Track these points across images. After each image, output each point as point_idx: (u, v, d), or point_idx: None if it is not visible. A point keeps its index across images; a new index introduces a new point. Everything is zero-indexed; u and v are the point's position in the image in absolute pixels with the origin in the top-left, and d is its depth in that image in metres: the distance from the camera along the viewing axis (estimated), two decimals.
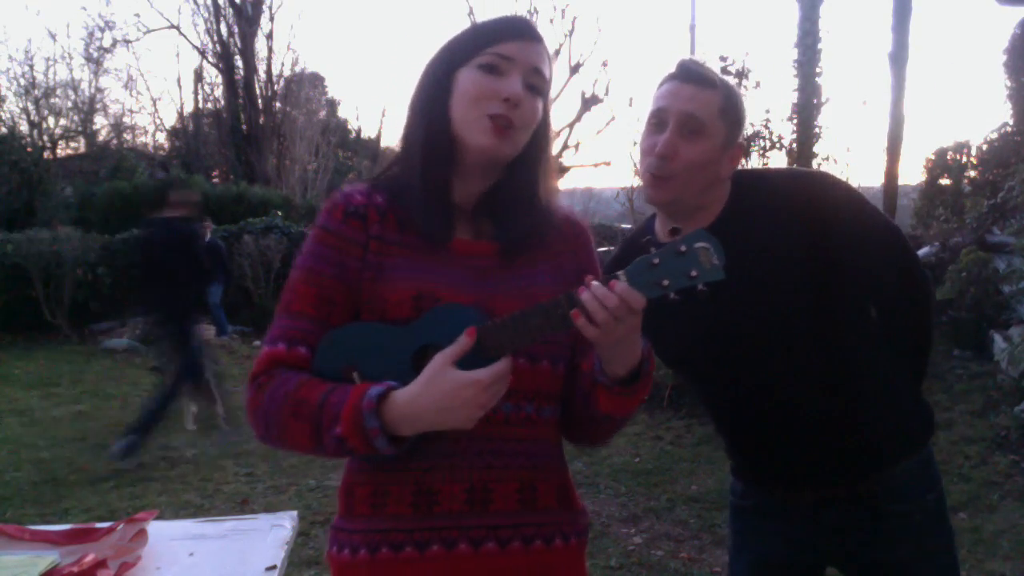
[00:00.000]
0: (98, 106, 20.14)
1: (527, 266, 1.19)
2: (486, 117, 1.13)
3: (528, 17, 1.25)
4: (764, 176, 1.58)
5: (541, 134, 1.21)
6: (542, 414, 1.18)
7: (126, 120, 21.61)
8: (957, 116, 29.47)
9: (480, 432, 1.08)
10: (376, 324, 1.12)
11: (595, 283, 1.03)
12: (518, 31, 1.16)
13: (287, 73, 19.38)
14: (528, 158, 1.20)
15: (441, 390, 1.02)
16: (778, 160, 7.10)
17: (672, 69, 1.47)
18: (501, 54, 1.14)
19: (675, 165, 1.41)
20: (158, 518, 1.70)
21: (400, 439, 1.06)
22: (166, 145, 22.16)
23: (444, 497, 1.11)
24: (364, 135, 27.61)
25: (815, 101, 6.43)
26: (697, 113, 1.40)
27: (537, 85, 1.17)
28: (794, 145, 6.61)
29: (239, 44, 18.36)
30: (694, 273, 1.01)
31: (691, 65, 1.45)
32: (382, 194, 1.18)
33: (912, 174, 14.22)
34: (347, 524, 1.17)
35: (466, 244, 1.17)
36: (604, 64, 10.08)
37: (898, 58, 8.00)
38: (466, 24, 1.23)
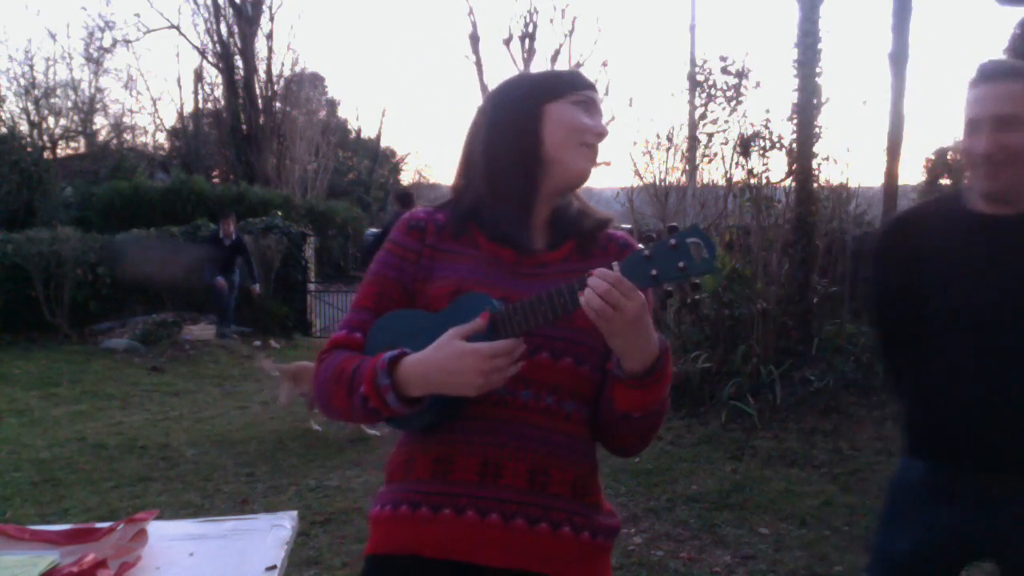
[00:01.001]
0: (98, 106, 20.18)
1: (567, 273, 1.28)
2: (584, 145, 1.32)
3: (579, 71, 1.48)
4: None
5: None
6: (563, 407, 1.28)
7: (126, 120, 21.67)
8: (957, 116, 29.43)
9: (498, 415, 1.24)
10: (413, 311, 1.30)
11: (593, 271, 1.13)
12: (591, 82, 1.38)
13: (287, 73, 19.42)
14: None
15: (445, 355, 1.17)
16: (778, 160, 7.11)
17: (973, 74, 1.59)
18: (590, 96, 1.34)
19: (1003, 156, 1.53)
20: (158, 518, 1.70)
21: (413, 401, 1.21)
22: (166, 145, 22.19)
23: (459, 467, 1.25)
24: (364, 135, 27.64)
25: (815, 101, 6.41)
26: (1006, 111, 1.52)
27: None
28: (794, 145, 6.60)
29: (239, 44, 18.36)
30: (682, 264, 1.09)
31: (987, 66, 1.57)
32: (444, 212, 1.37)
33: (912, 174, 14.22)
34: (385, 488, 1.36)
35: (516, 252, 1.32)
36: (604, 64, 10.09)
37: (898, 58, 7.99)
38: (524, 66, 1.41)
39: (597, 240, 1.37)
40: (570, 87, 1.34)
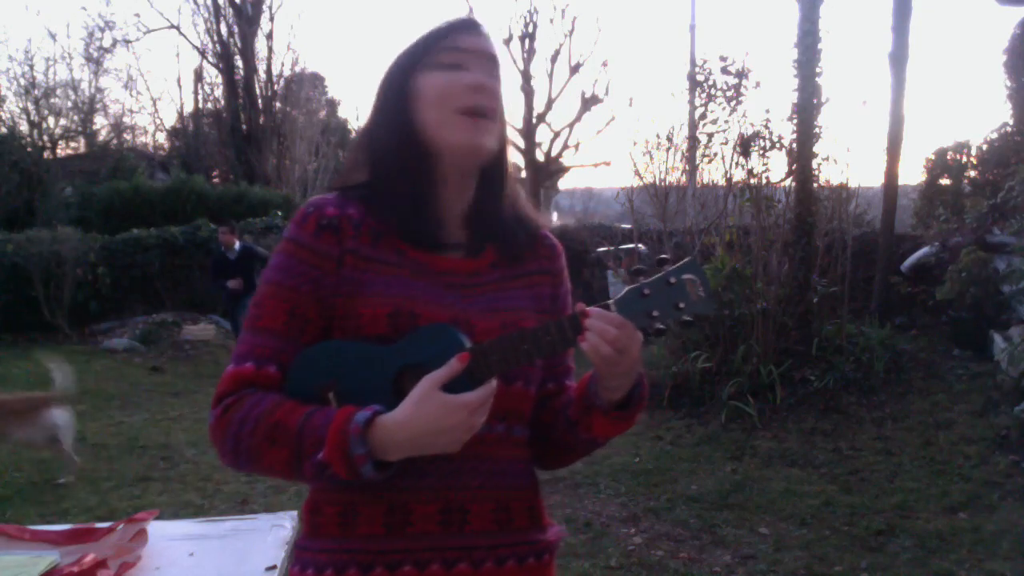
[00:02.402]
0: (98, 106, 20.15)
1: (504, 285, 1.17)
2: (457, 113, 1.11)
3: (472, 15, 1.24)
4: None
5: (503, 140, 1.20)
6: (512, 434, 1.16)
7: (126, 120, 21.63)
8: (957, 116, 29.46)
9: (455, 452, 1.05)
10: (354, 343, 1.08)
11: (588, 311, 1.03)
12: (466, 26, 1.16)
13: (287, 73, 19.38)
14: (499, 164, 1.19)
15: (430, 414, 0.99)
16: (778, 160, 7.11)
17: None
18: (456, 47, 1.13)
19: None
20: (158, 518, 1.70)
21: (385, 465, 1.03)
22: (166, 145, 22.16)
23: (417, 517, 1.08)
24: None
25: (815, 101, 6.41)
26: None
27: (494, 73, 1.16)
28: (794, 145, 6.60)
29: (239, 44, 18.35)
30: (681, 305, 1.03)
31: None
32: (355, 206, 1.13)
33: (912, 174, 14.23)
34: (313, 543, 1.12)
35: (442, 260, 1.14)
36: (604, 64, 10.08)
37: (898, 58, 7.99)
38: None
39: (521, 241, 1.21)
40: (427, 47, 1.13)
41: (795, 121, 6.52)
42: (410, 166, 1.13)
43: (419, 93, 1.12)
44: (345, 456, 0.99)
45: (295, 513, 1.72)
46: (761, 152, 6.92)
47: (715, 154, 7.35)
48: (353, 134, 23.08)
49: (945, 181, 9.41)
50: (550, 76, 9.73)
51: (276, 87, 19.00)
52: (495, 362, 1.04)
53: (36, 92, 17.96)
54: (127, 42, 20.18)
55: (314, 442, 1.01)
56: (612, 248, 8.52)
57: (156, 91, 33.33)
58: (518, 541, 1.15)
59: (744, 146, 6.91)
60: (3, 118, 17.30)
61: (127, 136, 21.13)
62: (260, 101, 18.55)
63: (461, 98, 1.11)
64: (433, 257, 1.14)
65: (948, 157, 9.42)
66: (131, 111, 25.75)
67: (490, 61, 1.15)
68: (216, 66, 19.10)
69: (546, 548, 1.20)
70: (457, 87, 1.11)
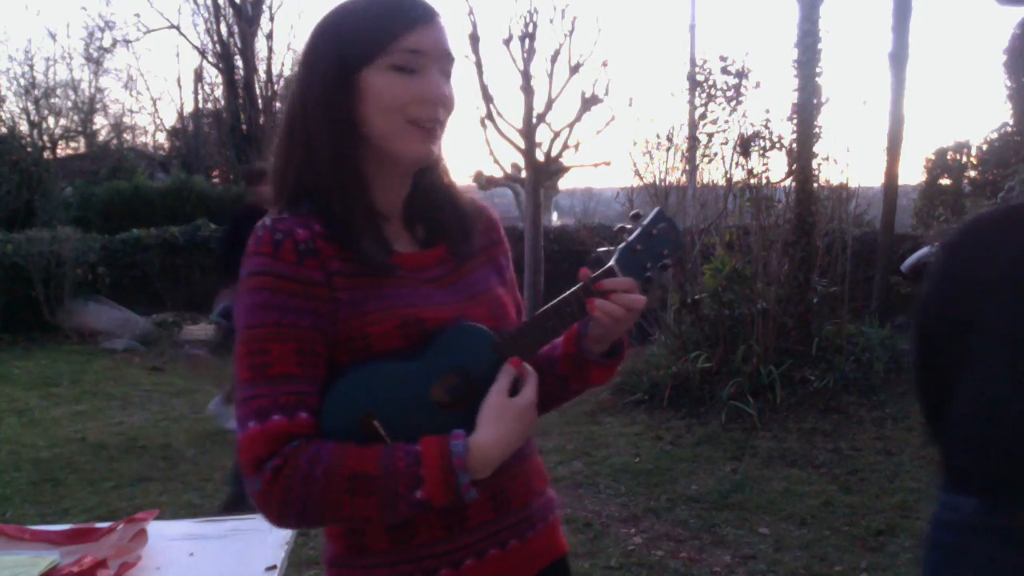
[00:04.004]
0: (98, 106, 20.15)
1: (471, 268, 1.18)
2: (409, 124, 1.04)
3: None
4: None
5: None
6: None
7: (126, 120, 21.63)
8: (957, 116, 29.46)
9: None
10: (378, 365, 1.04)
11: (608, 280, 1.10)
12: (423, 19, 1.03)
13: (287, 73, 19.35)
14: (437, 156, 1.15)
15: (512, 424, 1.05)
16: (778, 160, 7.10)
17: None
18: (411, 49, 1.02)
19: None
20: (158, 518, 1.70)
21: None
22: (166, 145, 22.14)
23: (472, 512, 1.11)
24: None
25: (815, 101, 6.41)
26: None
27: (449, 70, 1.09)
28: (794, 145, 6.60)
29: (239, 44, 18.34)
30: (665, 252, 1.13)
31: None
32: (317, 221, 1.05)
33: (912, 174, 14.20)
34: (360, 560, 1.11)
35: (409, 257, 1.12)
36: (604, 64, 10.04)
37: (898, 58, 7.99)
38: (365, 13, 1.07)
39: (470, 220, 1.18)
40: (381, 43, 1.02)
41: (795, 121, 6.51)
42: (351, 170, 1.07)
43: (368, 95, 1.04)
44: (451, 489, 1.00)
45: None
46: (761, 152, 6.91)
47: (715, 154, 7.34)
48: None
49: (945, 181, 9.41)
50: (550, 76, 9.72)
51: (276, 87, 18.98)
52: (525, 346, 1.11)
53: (36, 92, 17.97)
54: (127, 42, 20.19)
55: (409, 483, 0.99)
56: (611, 248, 8.51)
57: (156, 91, 33.29)
58: (516, 521, 1.19)
59: (744, 146, 6.91)
60: (3, 118, 17.31)
61: (127, 136, 21.14)
62: (260, 101, 18.54)
63: (418, 109, 1.04)
64: (401, 256, 1.11)
65: (948, 157, 9.43)
66: (131, 111, 25.77)
67: (446, 59, 1.07)
68: (216, 66, 19.09)
69: (548, 507, 1.27)
70: (415, 97, 1.03)
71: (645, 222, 1.13)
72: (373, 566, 1.10)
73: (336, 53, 1.04)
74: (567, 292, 1.11)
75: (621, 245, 1.12)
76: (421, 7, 1.05)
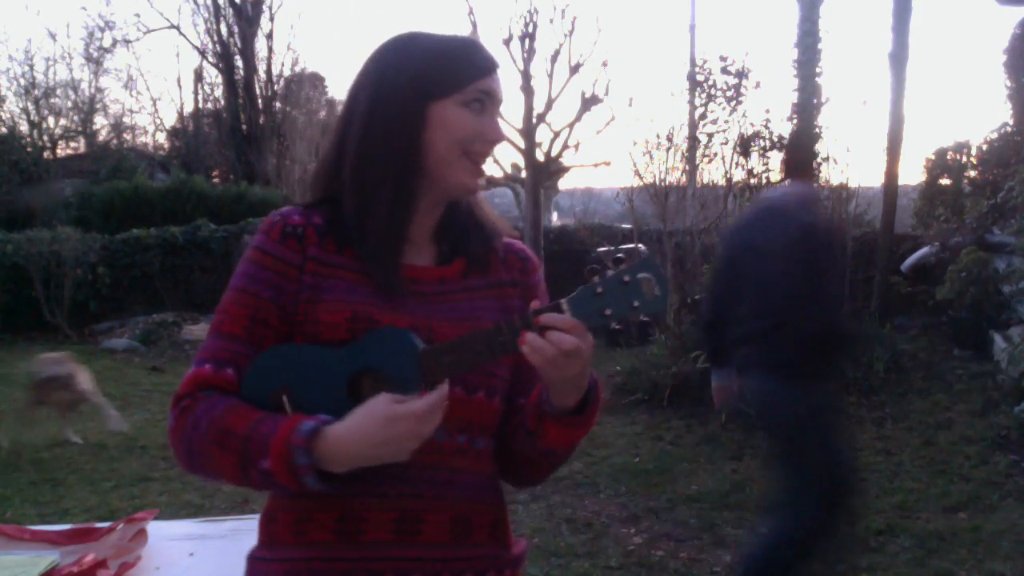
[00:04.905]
0: (98, 106, 20.14)
1: (470, 293, 1.17)
2: (465, 156, 1.12)
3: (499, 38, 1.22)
4: None
5: None
6: (475, 445, 1.14)
7: (126, 120, 21.60)
8: (957, 116, 29.44)
9: (411, 460, 1.03)
10: (308, 347, 1.08)
11: (540, 311, 1.01)
12: (490, 65, 1.14)
13: (287, 73, 19.36)
14: None
15: (375, 425, 0.98)
16: (778, 160, 7.10)
17: None
18: (484, 91, 1.12)
19: None
20: (158, 518, 1.70)
21: (331, 475, 1.02)
22: (166, 145, 22.12)
23: (370, 525, 1.07)
24: None
25: (815, 101, 6.42)
26: None
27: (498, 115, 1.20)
28: None
29: (239, 44, 18.34)
30: (636, 304, 1.01)
31: None
32: (321, 215, 1.14)
33: (912, 174, 14.22)
34: (267, 553, 1.12)
35: (409, 268, 1.14)
36: (604, 64, 10.06)
37: (898, 58, 7.99)
38: (446, 38, 1.15)
39: (496, 251, 1.21)
40: (459, 82, 1.11)
41: (795, 121, 6.52)
42: (407, 192, 1.12)
43: (437, 124, 1.11)
44: (288, 466, 0.99)
45: None
46: (761, 152, 6.92)
47: (715, 154, 7.36)
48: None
49: (945, 181, 9.39)
50: (550, 76, 9.72)
51: (276, 87, 18.98)
52: (448, 364, 1.03)
53: (36, 92, 17.98)
54: (127, 42, 20.16)
55: (260, 450, 1.00)
56: (612, 248, 8.53)
57: (156, 91, 33.28)
58: (475, 556, 1.13)
59: (744, 146, 6.91)
60: (3, 118, 17.33)
61: (127, 136, 21.12)
62: (260, 101, 18.53)
63: (477, 145, 1.13)
64: (407, 269, 1.14)
65: (948, 157, 9.41)
66: (131, 111, 25.73)
67: (499, 105, 1.18)
68: (216, 66, 19.08)
69: (508, 563, 1.18)
70: (479, 134, 1.12)
71: (623, 267, 1.02)
72: (275, 559, 1.12)
73: (414, 82, 1.11)
74: (503, 321, 1.04)
75: (585, 284, 1.03)
76: (491, 57, 1.16)
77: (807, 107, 6.37)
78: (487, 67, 1.13)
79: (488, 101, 1.13)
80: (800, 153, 3.20)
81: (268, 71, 18.82)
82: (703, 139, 7.47)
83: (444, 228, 1.19)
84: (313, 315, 1.09)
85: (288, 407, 1.06)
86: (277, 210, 1.15)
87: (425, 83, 1.11)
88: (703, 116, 7.43)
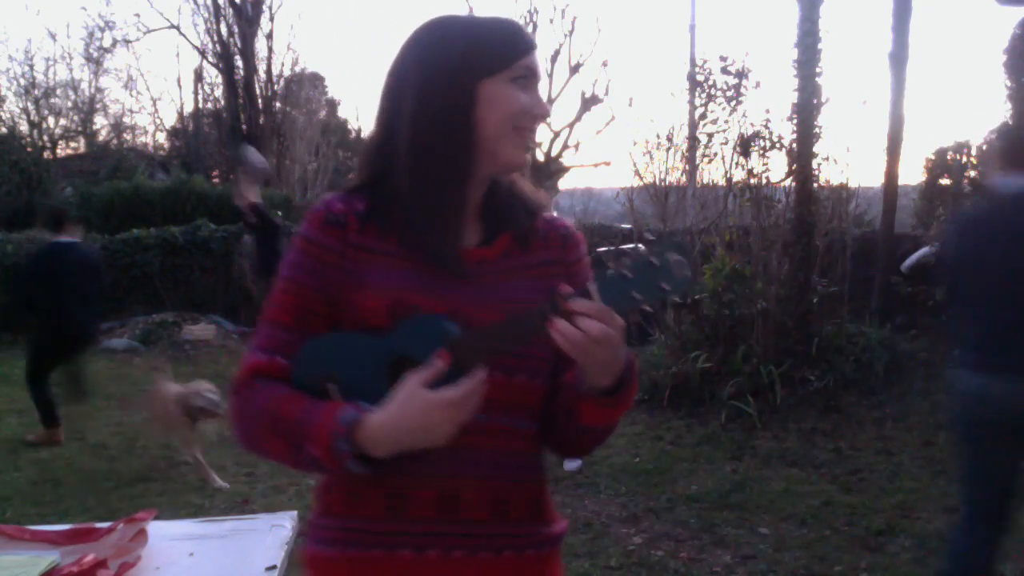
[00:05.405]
0: (98, 106, 20.18)
1: (513, 275, 1.18)
2: (516, 130, 1.15)
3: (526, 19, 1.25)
4: None
5: None
6: (518, 426, 1.17)
7: (126, 120, 21.65)
8: (957, 116, 29.41)
9: (454, 442, 1.06)
10: (353, 335, 1.12)
11: (567, 296, 1.01)
12: (532, 43, 1.18)
13: (287, 73, 19.37)
14: None
15: (413, 413, 1.03)
16: (778, 160, 7.10)
17: None
18: (529, 68, 1.16)
19: None
20: (158, 518, 1.70)
21: (374, 461, 1.06)
22: (166, 145, 22.16)
23: (414, 503, 1.12)
24: (364, 135, 27.61)
25: (815, 101, 6.40)
26: None
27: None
28: (794, 145, 6.60)
29: (239, 44, 18.34)
30: (665, 286, 1.01)
31: None
32: (363, 201, 1.16)
33: (912, 174, 14.20)
34: (323, 520, 1.19)
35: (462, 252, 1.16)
36: (604, 64, 10.07)
37: (898, 58, 7.98)
38: (466, 27, 1.18)
39: (536, 229, 1.23)
40: (507, 60, 1.14)
41: (795, 121, 6.51)
42: (456, 166, 1.15)
43: (487, 101, 1.13)
44: (331, 452, 1.05)
45: (295, 513, 1.73)
46: (761, 152, 6.92)
47: (715, 154, 7.36)
48: (353, 134, 23.10)
49: (945, 181, 9.40)
50: (550, 76, 9.74)
51: (276, 87, 18.99)
52: (479, 350, 1.05)
53: (36, 92, 18.00)
54: (127, 42, 20.20)
55: (306, 437, 1.07)
56: (612, 248, 8.51)
57: (156, 91, 33.34)
58: (516, 533, 1.17)
59: (744, 146, 6.91)
60: (3, 118, 17.34)
61: (127, 136, 21.16)
62: (260, 101, 18.54)
63: (525, 119, 1.15)
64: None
65: (948, 157, 9.41)
66: (131, 111, 25.78)
67: (539, 82, 1.21)
68: (216, 66, 19.09)
69: (547, 540, 1.21)
70: (527, 109, 1.15)
71: (651, 251, 1.01)
72: (329, 527, 1.17)
73: (464, 60, 1.13)
74: (534, 306, 1.04)
75: (609, 271, 1.02)
76: (531, 36, 1.20)
77: (807, 107, 6.36)
78: (530, 45, 1.17)
79: (532, 78, 1.16)
80: (1021, 144, 3.02)
81: (268, 71, 18.83)
82: (703, 139, 7.47)
83: (487, 206, 1.21)
84: (354, 302, 1.12)
85: (334, 394, 1.10)
86: (323, 198, 1.18)
87: (475, 61, 1.14)
88: (703, 116, 7.43)
